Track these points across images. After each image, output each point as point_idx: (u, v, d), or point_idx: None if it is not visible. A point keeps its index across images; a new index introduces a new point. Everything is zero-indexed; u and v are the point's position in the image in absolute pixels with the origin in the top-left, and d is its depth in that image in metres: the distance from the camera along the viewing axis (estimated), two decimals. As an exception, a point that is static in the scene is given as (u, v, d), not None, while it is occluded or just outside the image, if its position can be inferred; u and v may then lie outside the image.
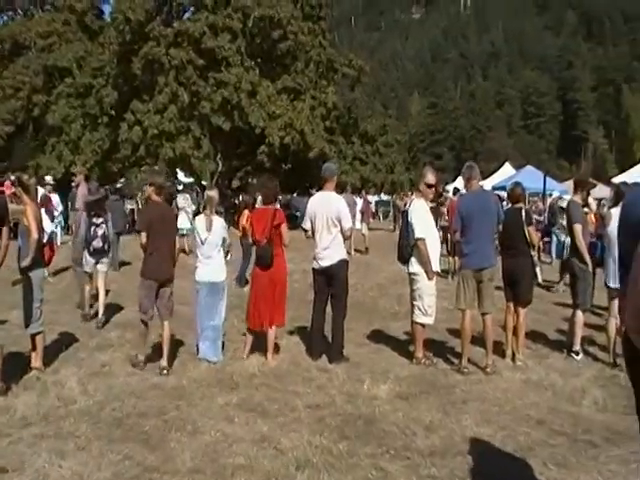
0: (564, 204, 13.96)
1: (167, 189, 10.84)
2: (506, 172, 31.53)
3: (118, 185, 24.56)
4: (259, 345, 7.47)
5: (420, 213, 7.35)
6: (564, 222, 12.53)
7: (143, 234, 6.96)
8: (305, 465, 4.60)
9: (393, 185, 35.21)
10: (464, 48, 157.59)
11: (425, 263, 7.21)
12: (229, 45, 28.61)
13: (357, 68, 34.17)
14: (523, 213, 7.51)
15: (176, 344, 8.00)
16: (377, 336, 8.70)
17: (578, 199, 8.08)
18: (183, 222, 19.26)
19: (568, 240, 12.39)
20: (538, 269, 7.61)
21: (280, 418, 5.55)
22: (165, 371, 6.78)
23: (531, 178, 26.27)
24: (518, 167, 33.03)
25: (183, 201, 19.87)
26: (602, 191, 21.21)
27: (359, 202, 20.82)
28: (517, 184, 8.38)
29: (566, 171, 76.13)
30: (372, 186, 33.96)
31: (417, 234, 7.20)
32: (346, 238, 7.51)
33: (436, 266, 7.38)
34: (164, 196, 7.63)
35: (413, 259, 7.31)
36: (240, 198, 21.70)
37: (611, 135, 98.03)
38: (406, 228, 7.43)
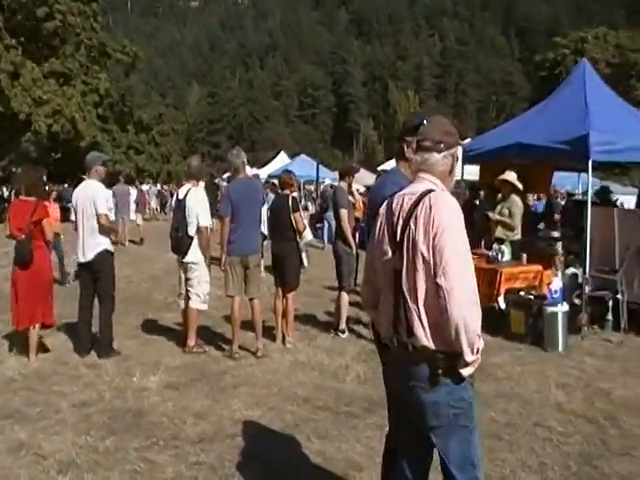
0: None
1: None
2: (281, 161, 32.38)
3: None
4: (22, 346, 7.01)
5: (203, 201, 7.39)
6: None
7: None
8: (68, 467, 4.39)
9: (169, 175, 34.70)
10: (242, 38, 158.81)
11: (205, 250, 7.27)
12: (-15, 19, 26.20)
13: (131, 54, 33.15)
14: (290, 200, 7.76)
15: None
16: (150, 327, 8.54)
17: (344, 185, 8.51)
18: None
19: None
20: (304, 255, 7.89)
21: (42, 422, 5.22)
22: None
23: (305, 166, 27.31)
24: (293, 156, 34.14)
25: None
26: (371, 179, 22.63)
27: (133, 192, 20.22)
28: (286, 172, 8.67)
29: (339, 160, 79.65)
30: (148, 176, 33.17)
31: (203, 222, 7.24)
32: (101, 224, 7.07)
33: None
34: None
35: (192, 249, 7.27)
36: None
37: (380, 127, 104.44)
38: (182, 217, 7.35)
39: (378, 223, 2.95)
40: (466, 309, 2.58)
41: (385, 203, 2.94)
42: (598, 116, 9.19)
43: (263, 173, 27.72)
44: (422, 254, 2.63)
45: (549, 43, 61.55)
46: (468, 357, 2.63)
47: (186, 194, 7.36)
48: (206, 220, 7.28)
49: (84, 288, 7.34)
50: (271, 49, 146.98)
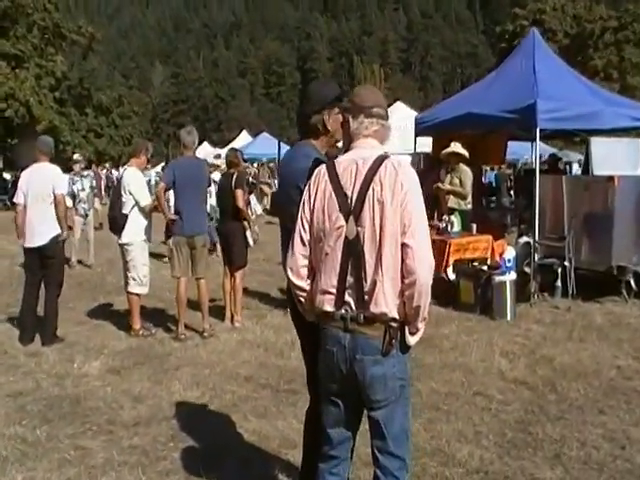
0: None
1: None
2: (244, 139, 32.12)
3: None
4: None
5: (140, 181, 7.33)
6: None
7: None
8: (-8, 460, 4.25)
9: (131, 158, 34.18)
10: (206, 17, 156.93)
11: (147, 231, 7.24)
12: None
13: (88, 35, 32.32)
14: (234, 178, 7.64)
15: None
16: (99, 312, 8.40)
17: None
18: None
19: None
20: (249, 233, 7.78)
21: (-30, 414, 5.07)
22: None
23: (267, 144, 27.08)
24: (255, 134, 33.86)
25: None
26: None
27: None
28: (232, 150, 8.57)
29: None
30: (109, 159, 32.64)
31: (143, 202, 7.16)
32: (59, 206, 6.94)
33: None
34: None
35: (127, 229, 7.17)
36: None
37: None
38: (118, 196, 7.26)
39: (316, 193, 2.79)
40: (430, 272, 2.61)
41: (322, 172, 2.80)
42: (546, 85, 9.19)
43: (225, 152, 27.44)
44: (389, 216, 2.58)
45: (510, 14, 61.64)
46: (420, 324, 2.67)
47: (123, 173, 7.30)
48: (144, 199, 7.18)
49: (31, 274, 7.16)
50: (235, 27, 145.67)
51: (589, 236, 8.43)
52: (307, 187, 2.86)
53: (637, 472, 3.95)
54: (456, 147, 9.44)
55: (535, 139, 9.17)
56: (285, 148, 27.93)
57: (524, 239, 9.47)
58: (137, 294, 7.27)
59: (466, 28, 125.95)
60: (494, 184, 12.69)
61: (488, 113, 9.33)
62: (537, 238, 8.60)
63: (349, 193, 2.68)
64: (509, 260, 8.91)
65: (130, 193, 7.14)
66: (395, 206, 2.58)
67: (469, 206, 9.43)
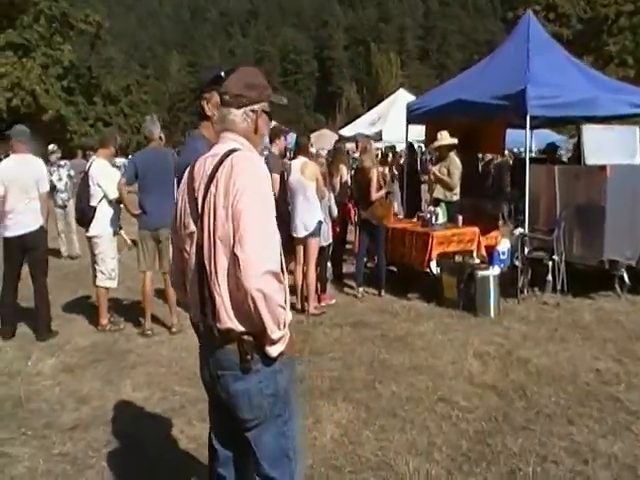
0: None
1: None
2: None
3: None
4: None
5: (109, 173, 7.07)
6: None
7: None
8: None
9: (139, 146, 33.98)
10: (223, 6, 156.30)
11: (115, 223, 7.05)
12: None
13: (95, 24, 32.08)
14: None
15: None
16: (75, 306, 8.14)
17: (276, 150, 8.08)
18: None
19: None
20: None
21: None
22: None
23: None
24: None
25: None
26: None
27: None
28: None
29: (323, 124, 79.17)
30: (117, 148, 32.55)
31: (111, 195, 6.90)
32: (44, 203, 6.81)
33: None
34: None
35: (95, 222, 6.93)
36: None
37: (362, 91, 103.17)
38: (86, 187, 7.00)
39: (180, 193, 2.56)
40: (265, 281, 2.19)
41: (187, 170, 2.55)
42: (539, 70, 8.77)
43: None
44: (222, 220, 2.27)
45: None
46: (274, 334, 2.28)
47: (91, 164, 7.04)
48: (113, 192, 6.89)
49: (10, 264, 6.83)
50: (252, 15, 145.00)
51: (581, 229, 8.01)
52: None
53: (595, 491, 3.63)
54: (443, 138, 9.05)
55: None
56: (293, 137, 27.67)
57: (519, 230, 9.08)
58: (106, 288, 7.02)
59: (484, 15, 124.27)
60: (484, 173, 12.28)
61: (478, 100, 8.90)
62: (527, 230, 8.23)
63: (197, 195, 2.40)
64: (503, 252, 8.57)
65: (99, 186, 6.91)
66: (227, 208, 2.26)
67: (455, 197, 9.04)
